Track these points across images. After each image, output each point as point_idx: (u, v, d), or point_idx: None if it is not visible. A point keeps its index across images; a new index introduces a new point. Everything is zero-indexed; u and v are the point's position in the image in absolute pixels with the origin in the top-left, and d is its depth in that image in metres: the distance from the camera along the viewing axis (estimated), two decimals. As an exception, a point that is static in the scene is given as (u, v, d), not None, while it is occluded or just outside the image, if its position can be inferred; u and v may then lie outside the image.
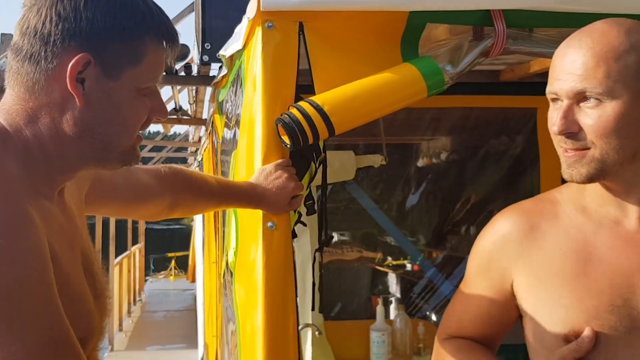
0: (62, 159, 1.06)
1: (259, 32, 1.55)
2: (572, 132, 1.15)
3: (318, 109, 1.47)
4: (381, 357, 2.99)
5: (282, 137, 1.50)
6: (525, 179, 3.52)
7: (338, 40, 1.58)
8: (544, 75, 3.08)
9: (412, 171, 3.86)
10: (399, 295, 4.02)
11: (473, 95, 3.08)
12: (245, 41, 1.71)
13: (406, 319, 3.07)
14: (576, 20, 1.63)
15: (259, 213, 1.55)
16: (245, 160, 1.65)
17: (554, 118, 1.18)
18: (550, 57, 1.94)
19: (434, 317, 3.42)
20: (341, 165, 2.79)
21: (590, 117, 1.14)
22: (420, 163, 3.84)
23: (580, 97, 1.15)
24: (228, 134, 2.34)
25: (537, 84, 3.04)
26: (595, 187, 1.23)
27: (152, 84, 1.07)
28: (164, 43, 1.07)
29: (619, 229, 1.22)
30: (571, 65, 1.15)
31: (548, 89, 1.20)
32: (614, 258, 1.19)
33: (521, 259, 1.25)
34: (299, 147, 1.49)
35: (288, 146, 1.49)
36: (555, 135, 1.20)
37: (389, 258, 4.31)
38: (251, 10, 1.55)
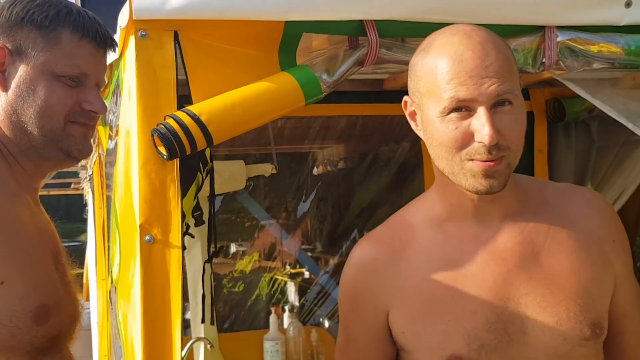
0: (17, 147, 1.22)
1: (132, 41, 1.51)
2: (497, 141, 1.08)
3: (195, 118, 1.45)
4: (275, 366, 2.99)
5: (158, 147, 1.48)
6: (410, 184, 3.62)
7: (215, 49, 1.57)
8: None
9: (303, 179, 3.89)
10: (297, 304, 4.04)
11: (359, 104, 3.14)
12: (121, 50, 1.66)
13: (299, 326, 3.08)
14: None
15: (136, 226, 1.52)
16: (123, 172, 1.61)
17: (459, 130, 1.08)
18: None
19: (326, 324, 3.45)
20: (231, 175, 2.77)
21: (509, 121, 1.08)
22: (310, 171, 3.87)
23: (498, 101, 1.08)
24: (111, 144, 2.27)
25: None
26: (449, 202, 1.19)
27: (72, 73, 1.22)
28: (82, 37, 1.24)
29: (480, 243, 1.18)
30: (487, 69, 1.06)
31: (455, 96, 1.08)
32: (480, 273, 1.15)
33: (391, 290, 1.18)
34: (177, 157, 1.46)
35: (165, 157, 1.47)
36: (458, 149, 1.08)
37: (288, 267, 4.31)
38: (123, 18, 1.52)
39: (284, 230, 3.89)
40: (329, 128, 3.41)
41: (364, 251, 1.24)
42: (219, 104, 1.50)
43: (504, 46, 1.12)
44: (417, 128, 1.22)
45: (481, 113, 1.07)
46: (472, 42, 1.10)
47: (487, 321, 1.13)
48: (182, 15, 1.50)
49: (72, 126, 1.25)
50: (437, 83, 1.10)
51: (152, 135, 1.47)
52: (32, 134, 1.21)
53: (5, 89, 1.21)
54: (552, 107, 3.30)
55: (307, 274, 4.17)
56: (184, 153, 1.46)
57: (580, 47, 1.75)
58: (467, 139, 1.09)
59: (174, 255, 1.51)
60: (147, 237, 1.50)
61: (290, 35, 1.61)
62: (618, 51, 1.76)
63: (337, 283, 3.74)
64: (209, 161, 2.00)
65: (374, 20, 1.62)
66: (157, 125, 1.46)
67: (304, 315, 3.63)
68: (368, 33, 1.63)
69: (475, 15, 1.68)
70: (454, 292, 1.14)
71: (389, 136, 3.58)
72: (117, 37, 1.64)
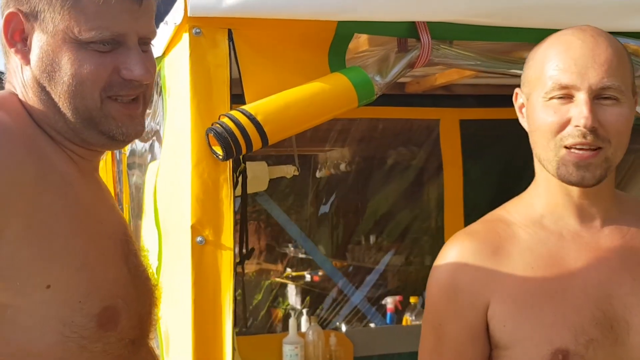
0: (56, 130, 1.03)
1: (185, 38, 1.49)
2: (595, 127, 1.09)
3: (251, 118, 1.43)
4: (294, 370, 2.96)
5: (213, 147, 1.45)
6: (429, 189, 3.61)
7: (267, 48, 1.55)
8: (447, 88, 3.19)
9: (322, 182, 3.87)
10: (299, 307, 4.01)
11: (380, 107, 3.12)
12: (166, 48, 1.64)
13: (319, 330, 3.06)
14: (494, 34, 1.70)
15: (186, 227, 1.49)
16: (171, 171, 1.59)
17: (557, 114, 1.10)
18: (469, 69, 2.02)
19: (344, 328, 3.43)
20: (254, 176, 2.73)
21: (611, 114, 1.09)
22: (330, 174, 3.85)
23: (600, 93, 1.10)
24: (140, 146, 2.24)
25: (440, 97, 3.15)
26: (550, 200, 1.19)
27: (101, 37, 0.98)
28: None
29: (581, 240, 1.17)
30: (594, 59, 1.09)
31: (557, 81, 1.10)
32: (584, 270, 1.15)
33: (491, 284, 1.16)
34: (232, 157, 1.44)
35: (220, 157, 1.45)
36: (554, 134, 1.10)
37: (288, 269, 4.29)
38: (177, 15, 1.49)
39: (304, 232, 3.87)
40: (350, 131, 3.40)
41: (462, 246, 1.22)
42: (275, 104, 1.48)
43: (619, 45, 1.14)
44: (523, 119, 1.23)
45: (581, 98, 1.09)
46: (584, 34, 1.13)
47: (593, 316, 1.12)
48: (236, 13, 1.48)
49: (111, 105, 1.01)
50: (544, 69, 1.14)
51: (207, 135, 1.45)
52: (66, 116, 1.00)
53: (28, 61, 1.00)
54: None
55: (309, 277, 4.15)
56: (240, 153, 1.44)
57: (630, 53, 1.74)
58: (564, 123, 1.10)
59: (226, 257, 1.49)
60: (198, 239, 1.47)
61: (342, 35, 1.60)
62: (666, 58, 1.75)
63: (356, 287, 3.72)
64: (241, 161, 1.98)
65: (427, 22, 1.61)
66: (213, 125, 1.44)
67: (321, 319, 3.61)
68: (420, 34, 1.61)
69: (527, 19, 1.67)
70: (559, 286, 1.14)
71: (408, 140, 3.57)
72: (164, 33, 1.62)
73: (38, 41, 0.99)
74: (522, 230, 1.20)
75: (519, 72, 1.34)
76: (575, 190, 1.17)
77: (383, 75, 1.60)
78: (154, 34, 1.07)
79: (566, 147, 1.11)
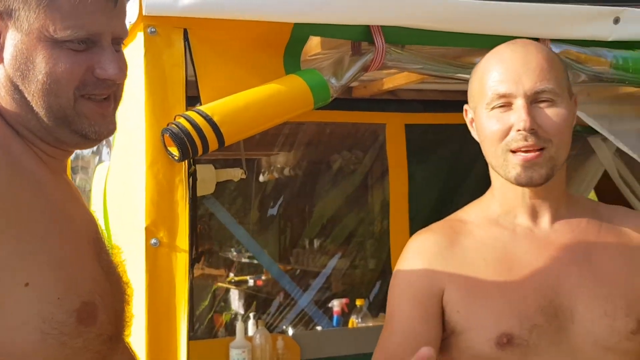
0: (27, 129, 1.02)
1: (140, 37, 1.47)
2: (534, 129, 1.17)
3: (207, 119, 1.42)
4: (241, 374, 2.94)
5: (168, 148, 1.44)
6: (374, 193, 3.64)
7: (223, 49, 1.55)
8: (393, 93, 3.22)
9: (270, 186, 3.86)
10: (242, 312, 3.99)
11: (328, 110, 3.14)
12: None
13: (266, 334, 3.04)
14: (445, 39, 1.73)
15: (140, 229, 1.47)
16: (124, 173, 1.56)
17: (499, 122, 1.18)
18: (420, 73, 2.05)
19: (291, 331, 3.42)
20: (201, 179, 2.71)
21: (548, 115, 1.17)
22: (273, 178, 3.84)
23: (535, 97, 1.18)
24: (86, 149, 2.18)
25: (387, 101, 3.19)
26: (505, 202, 1.26)
27: (77, 35, 0.98)
28: None
29: (533, 236, 1.25)
30: (526, 66, 1.18)
31: (496, 91, 1.19)
32: (533, 262, 1.23)
33: (447, 272, 1.25)
34: (188, 158, 1.43)
35: (176, 158, 1.43)
36: (499, 140, 1.18)
37: (232, 274, 4.26)
38: (132, 13, 1.47)
39: (251, 236, 3.84)
40: (298, 135, 3.40)
41: (423, 237, 1.31)
42: (231, 105, 1.47)
43: (549, 52, 1.23)
44: (474, 132, 1.30)
45: (519, 104, 1.17)
46: (515, 45, 1.23)
47: (539, 305, 1.20)
48: (192, 13, 1.47)
49: (84, 104, 1.00)
50: (484, 83, 1.22)
51: (162, 135, 1.43)
52: (39, 115, 1.00)
53: (1, 59, 0.99)
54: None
55: (252, 282, 4.13)
56: (196, 154, 1.43)
57: (572, 60, 1.81)
58: (507, 130, 1.18)
59: (181, 259, 1.47)
60: (153, 241, 1.45)
61: (297, 37, 1.60)
62: (606, 65, 1.83)
63: (303, 290, 3.72)
64: (191, 164, 1.96)
65: (381, 26, 1.63)
66: (168, 125, 1.42)
67: (268, 322, 3.60)
68: (375, 38, 1.63)
69: (475, 25, 1.72)
70: (509, 277, 1.22)
71: (356, 144, 3.59)
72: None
73: (12, 39, 0.99)
74: (478, 228, 1.28)
75: (467, 76, 1.38)
76: (527, 191, 1.25)
77: (338, 77, 1.61)
78: (126, 34, 1.08)
79: (512, 151, 1.19)
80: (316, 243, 3.94)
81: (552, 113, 1.18)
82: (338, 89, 1.61)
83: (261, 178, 3.95)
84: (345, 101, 3.10)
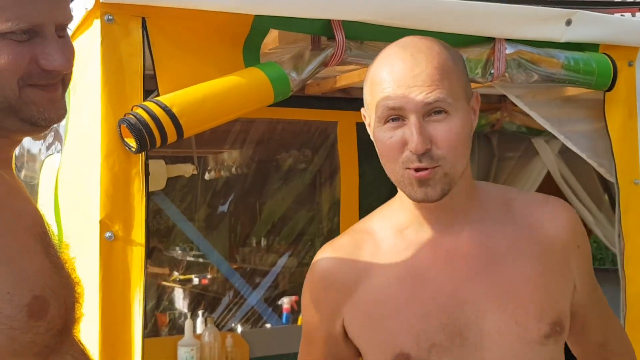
0: None
1: (96, 24, 1.42)
2: (428, 150, 1.09)
3: (166, 110, 1.39)
4: (189, 373, 2.90)
5: (125, 139, 1.40)
6: (324, 192, 3.64)
7: (182, 40, 1.52)
8: (345, 91, 3.23)
9: (220, 183, 3.81)
10: (187, 311, 3.94)
11: (280, 107, 3.12)
12: (74, 32, 1.56)
13: (215, 332, 3.01)
14: (404, 36, 1.74)
15: (93, 222, 1.42)
16: (77, 165, 1.51)
17: (393, 139, 1.10)
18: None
19: (240, 329, 3.39)
20: (152, 175, 2.65)
21: (442, 130, 1.09)
22: (227, 175, 3.80)
23: (428, 109, 1.09)
24: (34, 146, 2.10)
25: (339, 99, 3.20)
26: (409, 212, 1.20)
27: (18, 27, 0.94)
28: None
29: (440, 247, 1.19)
30: (415, 79, 1.09)
31: (387, 105, 1.10)
32: (439, 278, 1.17)
33: (349, 298, 1.20)
34: (146, 149, 1.39)
35: (133, 149, 1.39)
36: (395, 158, 1.11)
37: (176, 273, 4.20)
38: (89, 0, 1.42)
39: (200, 232, 3.79)
40: (249, 132, 3.37)
41: (327, 262, 1.25)
42: (191, 97, 1.45)
43: (442, 56, 1.12)
44: (373, 139, 1.22)
45: (411, 122, 1.09)
46: (405, 53, 1.12)
47: (440, 323, 1.15)
48: (151, 1, 1.44)
49: (30, 91, 0.97)
50: (374, 94, 1.13)
51: (119, 126, 1.39)
52: None
53: None
54: (460, 119, 3.44)
55: (197, 281, 4.09)
56: (154, 145, 1.39)
57: (526, 60, 1.85)
58: (401, 147, 1.10)
59: (137, 254, 1.43)
60: (107, 234, 1.41)
61: (257, 30, 1.59)
62: (558, 66, 1.88)
63: (253, 288, 3.69)
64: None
65: (341, 21, 1.63)
66: (125, 116, 1.39)
67: (217, 320, 3.56)
68: (335, 33, 1.63)
69: (432, 23, 1.73)
70: (408, 295, 1.17)
71: (307, 142, 3.58)
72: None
73: None
74: (385, 242, 1.22)
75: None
76: (430, 204, 1.17)
77: (299, 71, 1.60)
78: (70, 19, 1.04)
79: (407, 168, 1.12)
80: (266, 241, 3.91)
81: (445, 128, 1.10)
82: (298, 83, 1.60)
83: (211, 176, 3.91)
84: (298, 98, 3.09)
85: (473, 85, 2.39)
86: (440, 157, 1.10)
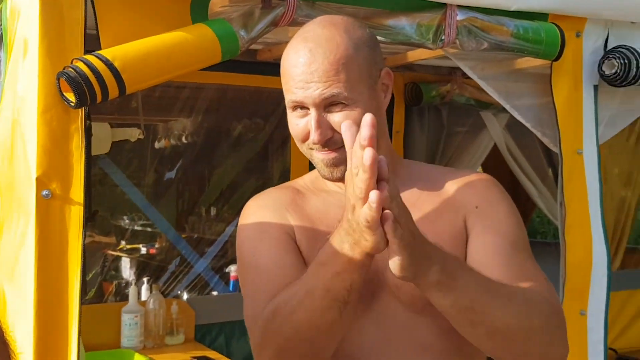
0: None
1: (34, -26, 1.36)
2: (328, 138, 1.15)
3: (108, 64, 1.34)
4: (132, 339, 2.86)
5: (64, 93, 1.34)
6: (275, 161, 3.61)
7: (126, -7, 1.46)
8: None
9: (168, 150, 3.73)
10: (131, 279, 3.88)
11: (230, 73, 3.06)
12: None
13: (160, 299, 2.97)
14: (355, -1, 1.72)
15: (30, 180, 1.37)
16: (11, 119, 1.44)
17: (299, 126, 1.17)
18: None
19: (186, 296, 3.36)
20: (95, 138, 2.58)
21: (342, 119, 1.13)
22: (175, 143, 3.73)
23: (326, 102, 1.14)
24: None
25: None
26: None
27: None
28: None
29: None
30: (312, 75, 1.13)
31: (291, 97, 1.16)
32: None
33: (295, 218, 1.22)
34: (86, 104, 1.34)
35: (72, 104, 1.34)
36: (302, 141, 1.18)
37: (123, 242, 4.14)
38: (24, -54, 1.35)
39: (147, 199, 3.72)
40: (198, 99, 3.29)
41: (262, 196, 1.29)
42: (134, 51, 1.40)
43: (341, 48, 1.15)
44: None
45: (311, 115, 1.15)
46: (305, 48, 1.15)
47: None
48: (93, -49, 1.38)
49: None
50: (283, 83, 1.19)
51: (58, 80, 1.33)
52: None
53: None
54: (410, 91, 3.45)
55: (145, 250, 4.03)
56: (95, 101, 1.34)
57: (477, 27, 1.85)
58: (307, 134, 1.17)
59: (75, 213, 1.39)
60: (44, 192, 1.36)
61: (205, -14, 1.54)
62: (508, 34, 1.88)
63: (200, 256, 3.65)
64: (88, 117, 1.86)
65: (293, -21, 1.59)
66: (65, 69, 1.33)
67: (163, 287, 3.51)
68: (286, -8, 1.59)
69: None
70: None
71: (257, 110, 3.53)
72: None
73: None
74: (313, 195, 1.27)
75: (379, 39, 1.36)
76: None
77: (248, 30, 1.56)
78: None
79: (313, 149, 1.18)
80: (215, 209, 3.87)
81: (345, 116, 1.13)
82: (248, 42, 1.57)
83: (161, 144, 3.84)
84: (249, 64, 3.04)
85: (425, 51, 2.40)
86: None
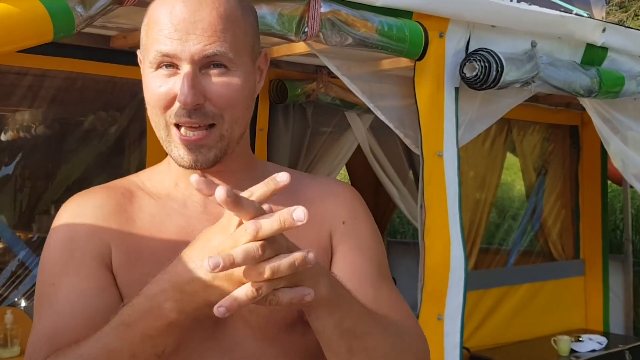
0: None
1: None
2: (199, 105, 0.97)
3: None
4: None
5: None
6: (131, 155, 3.39)
7: None
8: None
9: (5, 144, 3.38)
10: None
11: (80, 60, 2.82)
12: None
13: (-7, 308, 2.68)
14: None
15: None
16: None
17: (162, 88, 0.98)
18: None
19: (23, 303, 3.06)
20: None
21: (219, 85, 0.98)
22: (15, 135, 3.40)
23: (205, 62, 0.98)
24: None
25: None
26: (176, 172, 1.06)
27: None
28: None
29: (205, 210, 1.07)
30: (196, 24, 0.97)
31: (160, 49, 0.97)
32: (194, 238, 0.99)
33: (117, 235, 1.03)
34: None
35: None
36: (162, 110, 0.99)
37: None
38: None
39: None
40: (42, 87, 3.00)
41: (81, 200, 1.08)
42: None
43: (230, 4, 1.01)
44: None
45: (183, 70, 0.97)
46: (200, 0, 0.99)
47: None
48: None
49: None
50: (150, 34, 0.99)
51: None
52: None
53: None
54: (276, 88, 3.38)
55: (6, 250, 3.66)
56: None
57: (341, 21, 1.78)
58: (172, 99, 0.98)
59: None
60: None
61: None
62: (372, 30, 1.83)
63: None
64: None
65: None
66: None
67: (-2, 294, 3.18)
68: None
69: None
70: (167, 255, 0.97)
71: (110, 101, 3.29)
72: None
73: None
74: (150, 198, 1.08)
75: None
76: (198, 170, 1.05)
77: (86, 6, 1.38)
78: None
79: (176, 126, 1.00)
80: (59, 208, 3.58)
81: (224, 83, 0.99)
82: (86, 19, 1.39)
83: (3, 137, 3.49)
84: (102, 51, 2.82)
85: (292, 47, 2.31)
86: (216, 114, 0.98)
